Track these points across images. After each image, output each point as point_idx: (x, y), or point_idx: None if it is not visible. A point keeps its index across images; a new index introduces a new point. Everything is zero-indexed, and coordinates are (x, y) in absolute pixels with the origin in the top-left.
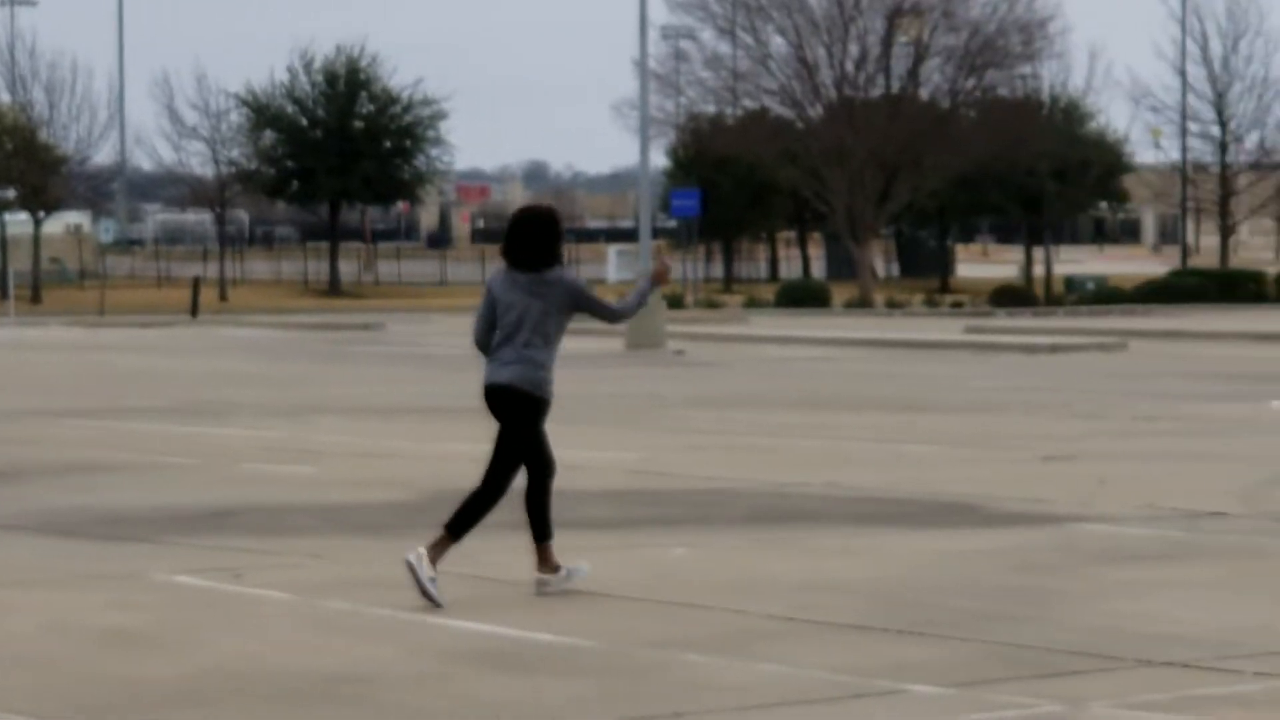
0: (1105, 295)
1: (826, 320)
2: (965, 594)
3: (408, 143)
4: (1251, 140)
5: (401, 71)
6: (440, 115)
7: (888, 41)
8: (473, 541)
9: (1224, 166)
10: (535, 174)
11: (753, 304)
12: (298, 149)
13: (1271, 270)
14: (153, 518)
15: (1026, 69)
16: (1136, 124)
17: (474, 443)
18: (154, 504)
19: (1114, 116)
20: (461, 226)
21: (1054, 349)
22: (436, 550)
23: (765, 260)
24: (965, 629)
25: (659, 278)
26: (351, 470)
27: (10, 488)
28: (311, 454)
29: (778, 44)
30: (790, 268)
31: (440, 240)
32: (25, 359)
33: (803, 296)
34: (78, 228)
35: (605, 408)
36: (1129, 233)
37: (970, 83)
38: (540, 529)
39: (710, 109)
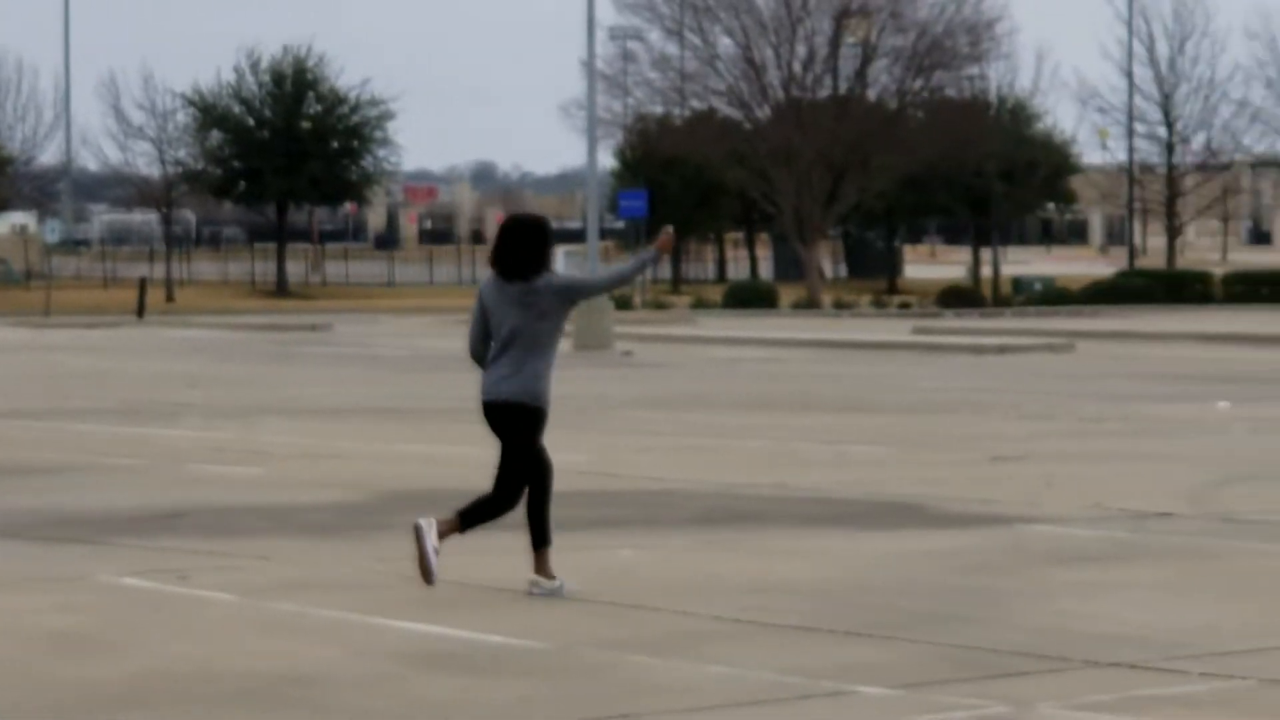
0: (1053, 296)
1: (774, 321)
2: (913, 595)
3: (355, 143)
4: (1198, 141)
5: (349, 72)
6: (388, 116)
7: (835, 42)
8: None
9: (1170, 167)
10: (483, 175)
11: (700, 305)
12: (244, 149)
13: (1218, 271)
14: (99, 519)
15: (974, 70)
16: (1084, 125)
17: (422, 443)
18: (100, 505)
19: (1061, 117)
20: (409, 227)
21: (1002, 350)
22: (445, 527)
23: (713, 261)
24: (913, 630)
25: (664, 247)
26: (299, 471)
27: None
28: (259, 455)
29: (725, 45)
30: (738, 269)
31: (388, 241)
32: None
33: (750, 297)
34: (23, 228)
35: (553, 409)
36: (1076, 234)
37: (918, 83)
38: (539, 535)
39: (658, 110)
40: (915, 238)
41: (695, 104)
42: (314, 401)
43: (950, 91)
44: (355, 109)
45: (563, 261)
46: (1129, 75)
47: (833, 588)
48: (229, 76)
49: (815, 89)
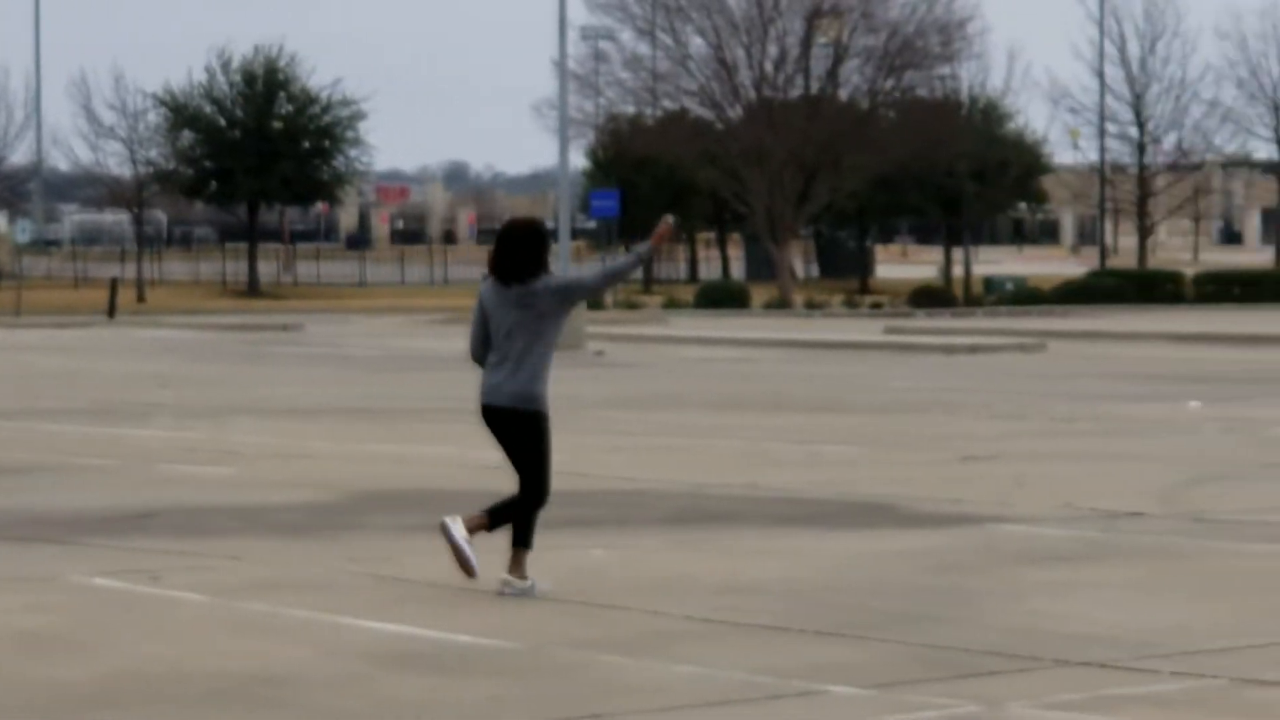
0: (1024, 296)
1: (746, 321)
2: (884, 595)
3: (326, 143)
4: (1169, 141)
5: (320, 72)
6: (359, 116)
7: (807, 42)
8: (392, 543)
9: (1142, 167)
10: (455, 174)
11: (672, 305)
12: (216, 149)
13: (1189, 271)
14: (70, 519)
15: (945, 70)
16: (1055, 125)
17: (394, 443)
18: (71, 506)
19: (1033, 117)
20: (381, 227)
21: (973, 349)
22: (473, 524)
23: (685, 261)
24: (884, 630)
25: (660, 239)
26: (270, 471)
27: None
28: (230, 455)
29: (697, 45)
30: (710, 268)
31: (359, 241)
32: None
33: (722, 297)
34: None
35: None
36: (1048, 233)
37: (889, 83)
38: (521, 535)
39: (630, 110)
40: (887, 238)
41: (667, 104)
42: (285, 401)
43: (922, 91)
44: (327, 109)
45: None
46: (1100, 75)
47: (804, 587)
48: (200, 76)
49: (787, 89)
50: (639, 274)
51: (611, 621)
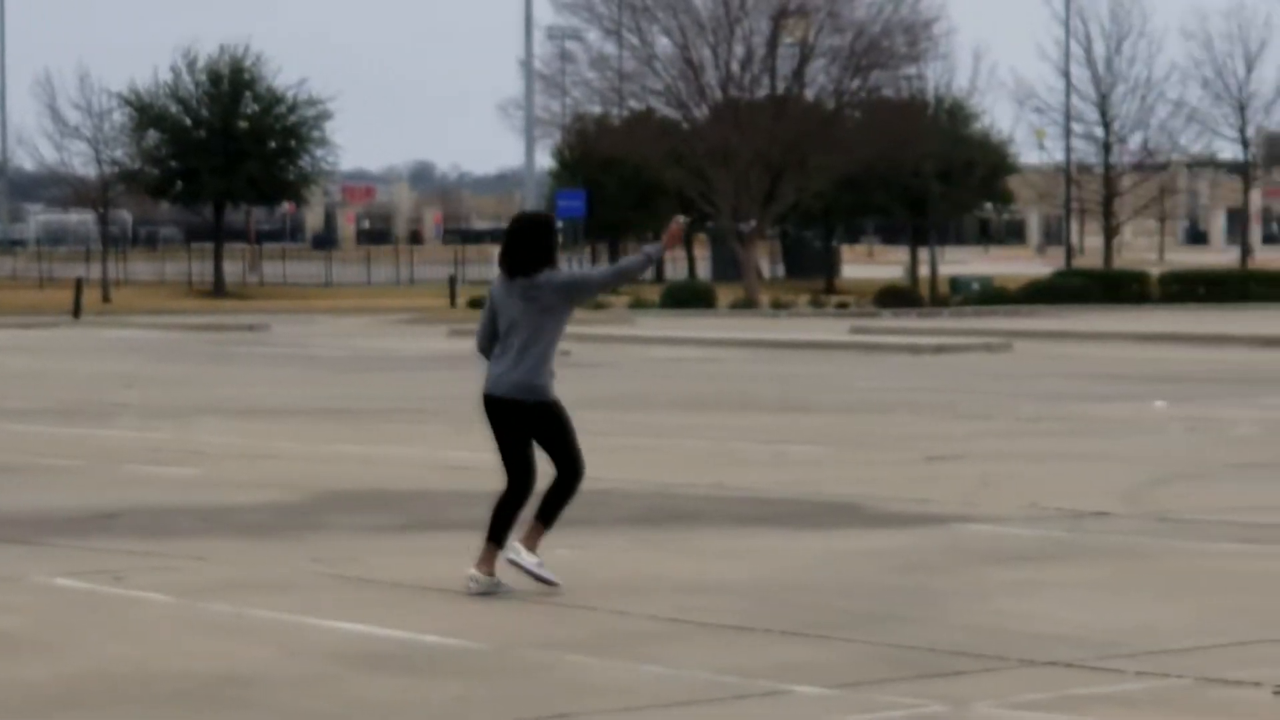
0: (990, 296)
1: (712, 321)
2: (850, 594)
3: (292, 143)
4: (1135, 141)
5: (286, 72)
6: (325, 115)
7: (773, 42)
8: (358, 543)
9: (1108, 167)
10: (421, 175)
11: (638, 305)
12: (181, 149)
13: (1155, 271)
14: (34, 519)
15: (911, 70)
16: (1021, 125)
17: (359, 444)
18: (35, 506)
19: (998, 117)
20: (347, 227)
21: (939, 349)
22: (533, 539)
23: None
24: (850, 629)
25: (672, 239)
26: (235, 472)
27: None
28: (195, 455)
29: (663, 45)
30: (676, 268)
31: (326, 241)
32: None
33: (688, 297)
34: None
35: None
36: (1014, 233)
37: (855, 83)
38: (497, 533)
39: (596, 110)
40: (853, 238)
41: (633, 104)
42: (251, 402)
43: (888, 91)
44: (293, 109)
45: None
46: (1066, 75)
47: (770, 587)
48: (166, 76)
49: (753, 89)
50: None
51: (578, 621)
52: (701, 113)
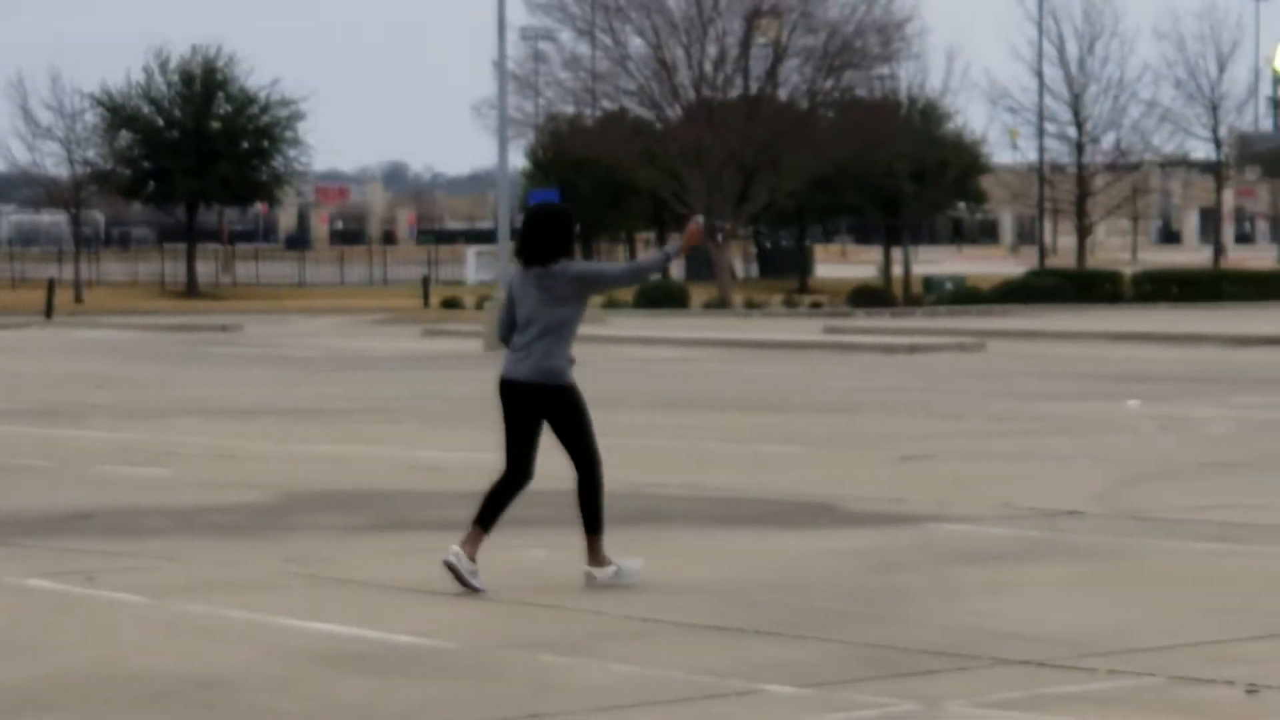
0: (963, 295)
1: (685, 321)
2: (823, 594)
3: (265, 143)
4: (1108, 141)
5: (259, 72)
6: (298, 116)
7: (746, 42)
8: (331, 543)
9: (1080, 167)
10: (395, 175)
11: (611, 304)
12: (154, 149)
13: (1128, 270)
14: (6, 520)
15: (884, 70)
16: (994, 125)
17: (332, 444)
18: (7, 507)
19: (971, 117)
20: (320, 228)
21: (912, 349)
22: (594, 554)
23: (625, 260)
24: (823, 629)
25: (692, 238)
26: (208, 472)
27: None
28: (168, 456)
29: (636, 45)
30: None
31: (299, 241)
32: None
33: (661, 297)
34: None
35: (465, 408)
36: (987, 233)
37: (828, 84)
38: (485, 517)
39: (569, 110)
40: (826, 237)
41: (606, 104)
42: (224, 402)
43: (861, 91)
44: (265, 109)
45: (472, 261)
46: (1039, 75)
47: (743, 587)
48: (138, 77)
49: (726, 89)
50: None
51: (550, 621)
52: (675, 113)
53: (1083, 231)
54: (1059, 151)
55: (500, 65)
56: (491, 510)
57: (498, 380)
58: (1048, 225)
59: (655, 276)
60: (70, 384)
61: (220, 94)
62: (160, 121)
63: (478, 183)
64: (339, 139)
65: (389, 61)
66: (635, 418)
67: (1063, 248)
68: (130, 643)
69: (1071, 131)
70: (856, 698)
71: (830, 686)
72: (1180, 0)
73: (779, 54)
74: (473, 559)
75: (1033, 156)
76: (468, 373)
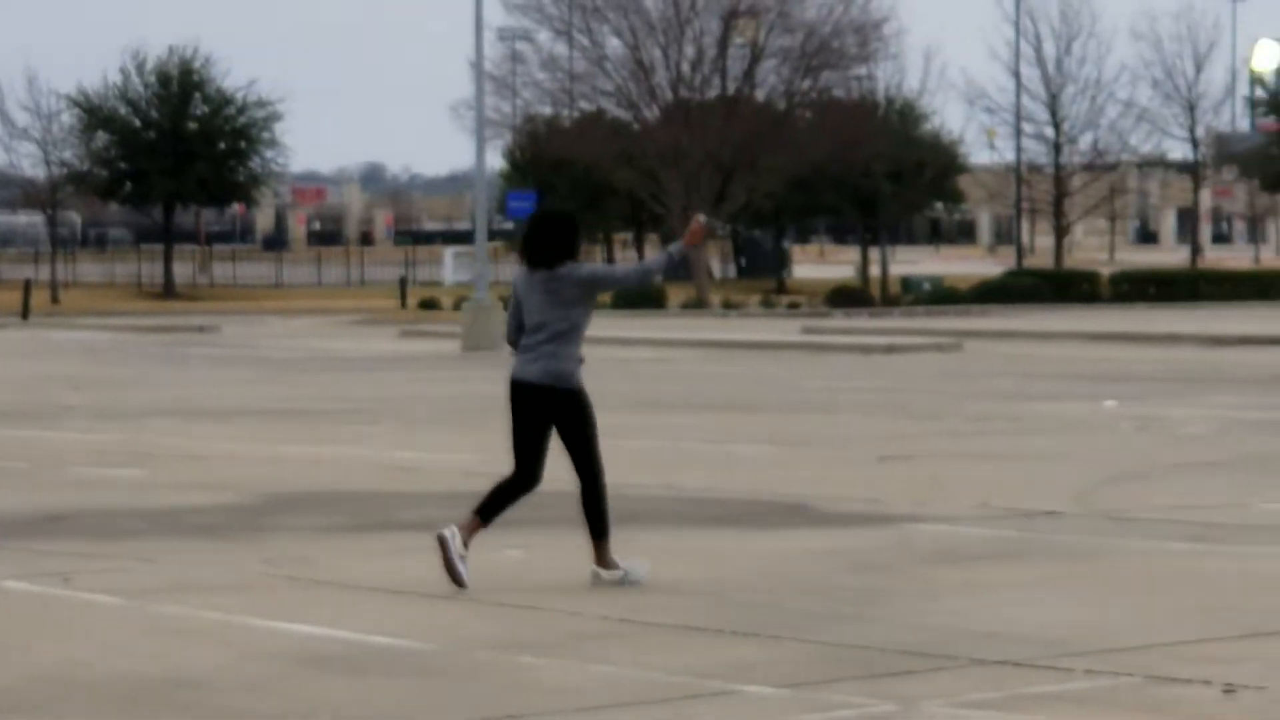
0: (941, 295)
1: (663, 321)
2: (800, 594)
3: (242, 144)
4: (1085, 141)
5: (236, 73)
6: (275, 117)
7: (724, 43)
8: (307, 544)
9: (1058, 167)
10: (372, 176)
11: None
12: (131, 151)
13: (1105, 270)
14: None
15: (862, 70)
16: (971, 125)
17: (308, 445)
18: None
19: (949, 118)
20: (298, 229)
21: (890, 349)
22: (601, 556)
23: (602, 261)
24: (800, 629)
25: (694, 237)
26: (184, 473)
27: None
28: (143, 457)
29: (614, 45)
30: None
31: (276, 242)
32: None
33: (639, 298)
34: None
35: (442, 409)
36: (965, 233)
37: (806, 84)
38: (487, 509)
39: (547, 111)
40: (804, 238)
41: (584, 105)
42: (200, 403)
43: (838, 92)
44: (242, 110)
45: (450, 262)
46: (1016, 75)
47: (721, 587)
48: (115, 78)
49: (704, 90)
50: None
51: (528, 621)
52: (652, 113)
53: (1060, 231)
54: (1036, 152)
55: (478, 66)
56: (494, 506)
57: (508, 382)
58: (1025, 225)
59: (658, 279)
60: (46, 385)
61: (197, 95)
62: (137, 122)
63: (455, 183)
64: (317, 140)
65: (366, 62)
66: (613, 418)
67: (1040, 248)
68: (106, 644)
69: (1049, 132)
70: (834, 698)
71: (807, 687)
72: (1157, 1)
73: (756, 54)
74: (465, 545)
75: (1010, 157)
76: (446, 373)
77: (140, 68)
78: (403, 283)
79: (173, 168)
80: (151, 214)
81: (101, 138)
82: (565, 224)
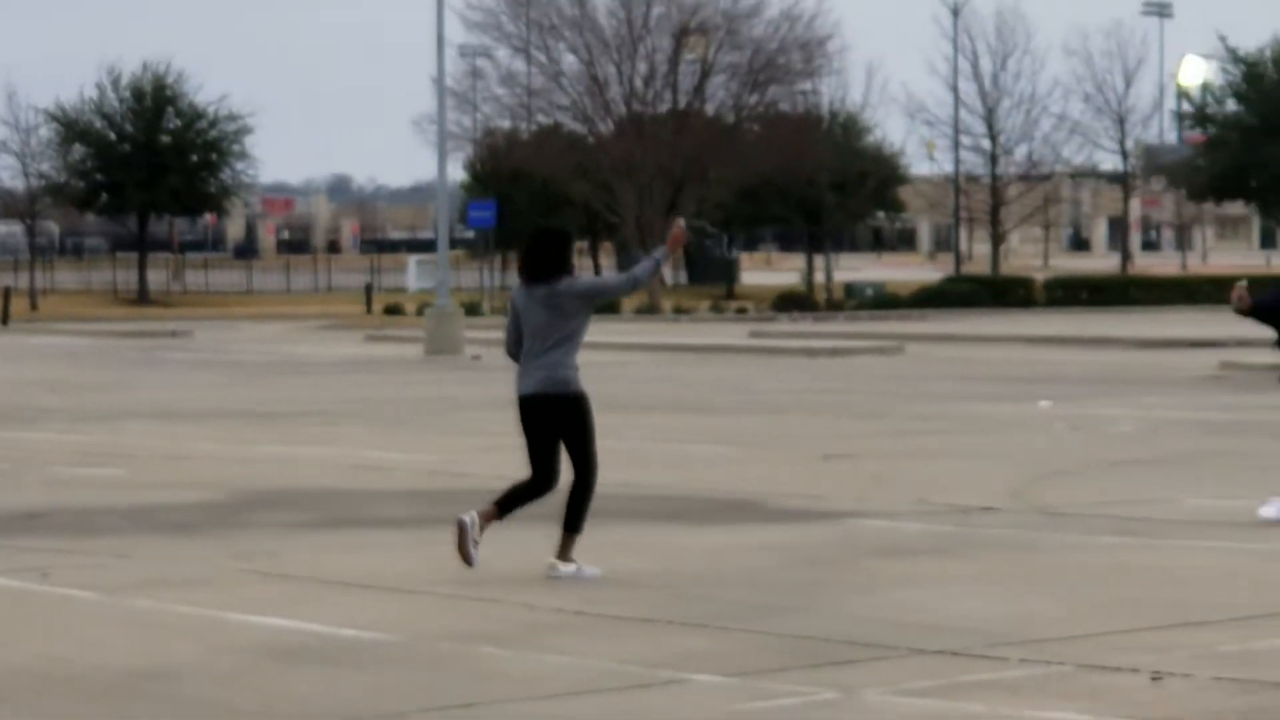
0: (883, 301)
1: (617, 326)
2: (748, 587)
3: (214, 157)
4: (1020, 153)
5: (207, 88)
6: (245, 130)
7: (675, 59)
8: (278, 541)
9: (994, 178)
10: (339, 187)
11: None
12: (106, 163)
13: (1040, 276)
14: None
15: (807, 85)
16: (912, 137)
17: (279, 445)
18: None
19: (890, 130)
20: (267, 238)
21: (834, 352)
22: (565, 550)
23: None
24: (748, 621)
25: (676, 241)
26: (159, 472)
27: None
28: (121, 457)
29: (570, 62)
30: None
31: (247, 251)
32: None
33: None
34: None
35: (405, 411)
36: (905, 241)
37: (754, 98)
38: (505, 503)
39: (506, 124)
40: (752, 246)
41: (541, 119)
42: (174, 405)
43: (784, 106)
44: (214, 124)
45: (413, 269)
46: (954, 90)
47: (673, 581)
48: (91, 93)
49: (656, 104)
50: (512, 281)
51: (487, 614)
52: (607, 127)
53: (997, 239)
54: (974, 163)
55: (439, 82)
56: (511, 503)
57: (516, 398)
58: (963, 233)
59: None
60: (25, 388)
61: (170, 109)
62: (112, 136)
63: (419, 194)
64: (285, 152)
65: (333, 78)
66: None
67: (978, 255)
68: (83, 638)
69: (986, 144)
70: (779, 687)
71: (754, 676)
72: (1089, 18)
73: (706, 70)
74: (480, 531)
75: (949, 168)
76: (408, 376)
77: (115, 83)
78: (368, 289)
79: (147, 179)
80: (126, 224)
81: (78, 150)
82: (562, 240)
